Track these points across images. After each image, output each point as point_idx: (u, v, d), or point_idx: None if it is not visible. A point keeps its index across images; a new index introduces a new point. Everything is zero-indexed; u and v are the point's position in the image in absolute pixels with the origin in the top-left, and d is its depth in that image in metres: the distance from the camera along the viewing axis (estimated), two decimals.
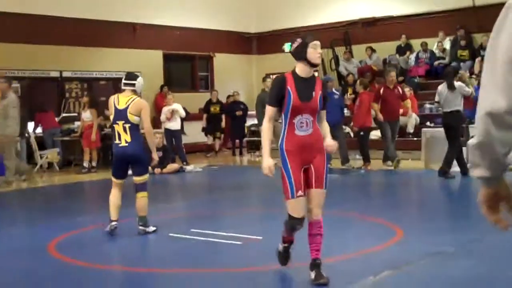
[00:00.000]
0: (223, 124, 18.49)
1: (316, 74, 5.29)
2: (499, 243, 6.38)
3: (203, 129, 18.31)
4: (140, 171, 7.46)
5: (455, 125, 11.38)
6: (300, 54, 5.01)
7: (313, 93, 5.01)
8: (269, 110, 5.04)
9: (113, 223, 7.41)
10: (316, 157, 5.02)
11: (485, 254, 6.05)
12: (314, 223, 5.03)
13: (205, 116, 18.21)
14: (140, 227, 7.47)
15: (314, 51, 4.98)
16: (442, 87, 11.51)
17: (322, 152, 5.06)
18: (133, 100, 7.36)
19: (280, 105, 4.99)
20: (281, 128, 5.01)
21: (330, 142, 5.12)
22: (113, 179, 7.52)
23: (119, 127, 7.35)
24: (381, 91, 13.09)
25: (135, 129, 7.36)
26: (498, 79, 1.95)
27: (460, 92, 11.39)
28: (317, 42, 5.01)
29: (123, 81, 7.53)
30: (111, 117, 7.45)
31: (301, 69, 5.07)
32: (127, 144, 7.33)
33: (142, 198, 7.46)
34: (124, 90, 7.49)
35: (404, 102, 13.73)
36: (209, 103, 18.37)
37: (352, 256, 6.06)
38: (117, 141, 7.40)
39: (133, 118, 7.32)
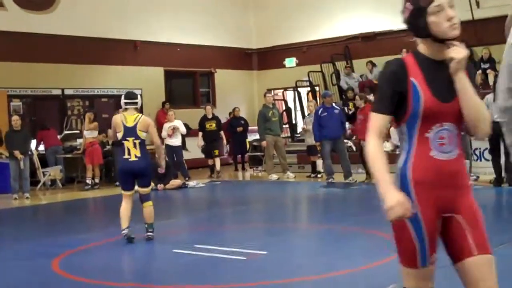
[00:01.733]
0: (224, 141, 16.95)
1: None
2: (502, 259, 6.37)
3: (202, 150, 16.79)
4: (146, 183, 8.05)
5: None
6: (417, 29, 2.87)
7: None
8: (378, 120, 2.90)
9: (125, 230, 7.82)
10: (464, 198, 2.89)
11: None
12: None
13: (200, 134, 16.61)
14: (150, 233, 7.97)
15: (440, 17, 2.78)
16: (490, 97, 11.61)
17: (470, 189, 2.98)
18: (140, 118, 7.98)
19: (396, 110, 2.89)
20: (404, 147, 2.94)
21: None
22: (124, 192, 7.97)
23: (129, 143, 7.85)
24: None
25: (143, 144, 7.95)
26: None
27: None
28: (444, 0, 2.79)
29: (126, 100, 8.03)
30: (119, 135, 7.89)
31: (428, 48, 2.90)
32: (137, 159, 7.85)
33: (149, 207, 8.01)
34: (127, 109, 8.01)
35: None
36: (204, 119, 16.72)
37: (356, 270, 6.05)
38: (126, 156, 7.88)
39: (142, 134, 7.90)
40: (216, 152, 16.58)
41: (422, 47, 2.92)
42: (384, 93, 2.89)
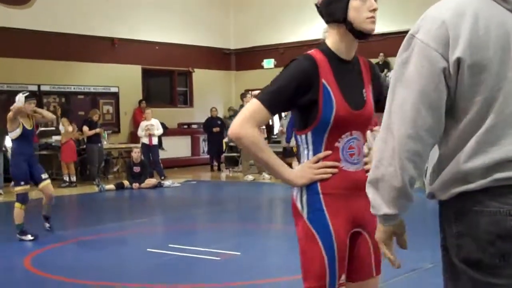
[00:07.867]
0: None
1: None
2: None
3: None
4: None
5: None
6: (333, 12, 2.56)
7: (364, 90, 2.66)
8: (261, 114, 2.54)
9: None
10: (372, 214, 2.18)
11: None
12: None
13: None
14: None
15: (364, 4, 2.54)
16: None
17: None
18: None
19: (303, 115, 2.59)
20: (308, 157, 2.64)
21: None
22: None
23: None
24: None
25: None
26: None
27: None
28: None
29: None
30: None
31: (339, 41, 2.61)
32: None
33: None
34: None
35: None
36: None
37: None
38: None
39: None
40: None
41: (331, 41, 2.62)
42: (284, 91, 2.52)
